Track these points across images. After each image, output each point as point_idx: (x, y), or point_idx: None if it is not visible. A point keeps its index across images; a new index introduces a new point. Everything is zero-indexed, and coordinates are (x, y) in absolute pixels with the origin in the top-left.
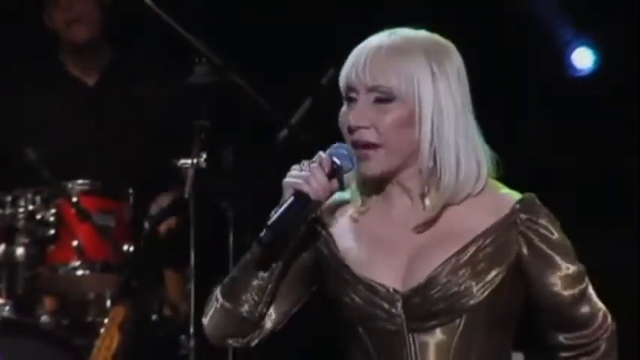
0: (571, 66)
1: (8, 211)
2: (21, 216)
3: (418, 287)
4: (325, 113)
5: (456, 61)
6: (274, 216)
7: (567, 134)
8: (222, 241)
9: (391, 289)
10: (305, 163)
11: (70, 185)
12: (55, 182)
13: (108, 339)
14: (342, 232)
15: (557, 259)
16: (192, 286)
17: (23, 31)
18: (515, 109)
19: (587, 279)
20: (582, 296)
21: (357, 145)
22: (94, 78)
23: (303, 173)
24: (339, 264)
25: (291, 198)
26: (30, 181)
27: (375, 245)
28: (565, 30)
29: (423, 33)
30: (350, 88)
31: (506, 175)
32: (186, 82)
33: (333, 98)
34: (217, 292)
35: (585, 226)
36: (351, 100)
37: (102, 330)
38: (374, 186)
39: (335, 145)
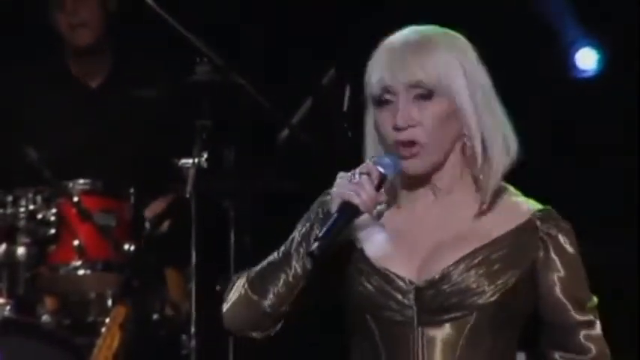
0: (574, 67)
1: (9, 210)
2: (22, 216)
3: (432, 281)
4: (326, 113)
5: (473, 51)
6: (325, 228)
7: (568, 134)
8: (223, 240)
9: (406, 280)
10: (354, 173)
11: (71, 185)
12: (56, 182)
13: (109, 338)
14: (363, 222)
15: (570, 276)
16: (193, 286)
17: (26, 31)
18: (516, 109)
19: (596, 312)
20: (589, 326)
21: (404, 144)
22: (97, 80)
23: (352, 185)
24: (356, 253)
25: (340, 209)
26: (31, 180)
27: (394, 238)
28: (569, 30)
29: (437, 29)
30: (386, 90)
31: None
32: (188, 82)
33: (334, 98)
34: (243, 280)
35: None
36: (386, 102)
37: (103, 329)
38: (400, 180)
39: (377, 156)
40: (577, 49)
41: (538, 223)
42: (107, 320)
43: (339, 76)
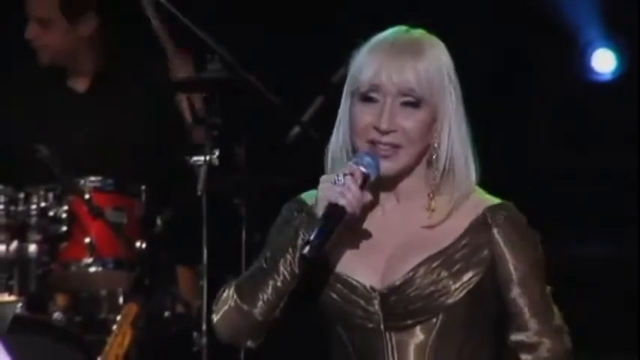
0: (590, 69)
1: (20, 208)
2: (33, 213)
3: (395, 286)
4: (336, 111)
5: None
6: (315, 231)
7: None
8: (234, 237)
9: (368, 287)
10: (337, 174)
11: (82, 182)
12: (67, 179)
13: (120, 336)
14: None
15: (522, 268)
16: (204, 283)
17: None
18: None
19: (551, 300)
20: (544, 314)
21: (380, 143)
22: (85, 82)
23: (337, 187)
24: (320, 262)
25: (327, 211)
26: (42, 178)
27: (357, 244)
28: (586, 30)
29: (425, 34)
30: (375, 88)
31: (514, 176)
32: (198, 79)
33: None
34: (232, 291)
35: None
36: (370, 99)
37: (114, 327)
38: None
39: (358, 155)
40: (594, 51)
41: (489, 218)
42: (118, 318)
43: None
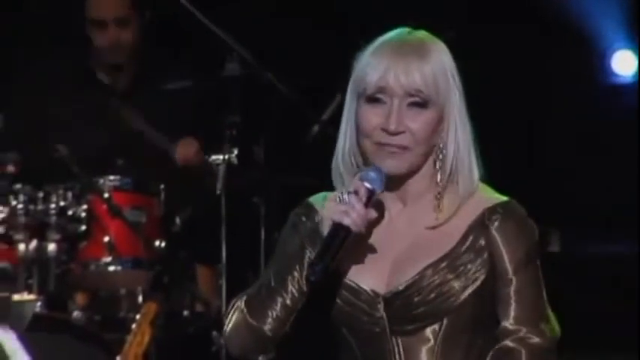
0: (610, 71)
1: (40, 207)
2: (52, 212)
3: (399, 290)
4: None
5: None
6: (319, 252)
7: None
8: (253, 236)
9: (371, 293)
10: (342, 192)
11: (101, 181)
12: (86, 178)
13: (139, 335)
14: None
15: (516, 268)
16: (223, 282)
17: (52, 31)
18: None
19: (540, 284)
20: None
21: (389, 145)
22: (123, 82)
23: (341, 206)
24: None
25: (332, 231)
26: (61, 177)
27: (363, 249)
28: (605, 30)
29: (429, 35)
30: (381, 90)
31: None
32: (217, 78)
33: None
34: (242, 306)
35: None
36: (377, 100)
37: (133, 326)
38: None
39: (364, 170)
40: (614, 52)
41: (486, 219)
42: (137, 316)
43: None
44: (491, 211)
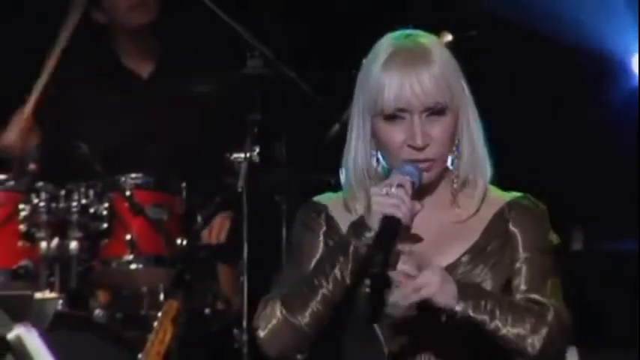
0: (629, 73)
1: (61, 205)
2: (74, 210)
3: None
4: None
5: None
6: (376, 244)
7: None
8: (275, 234)
9: None
10: (388, 186)
11: (123, 179)
12: (108, 176)
13: (161, 333)
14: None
15: (532, 259)
16: (245, 280)
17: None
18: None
19: (553, 275)
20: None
21: (418, 160)
22: (148, 68)
23: (392, 199)
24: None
25: (383, 224)
26: (83, 174)
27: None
28: (623, 31)
29: (430, 37)
30: (402, 109)
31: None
32: (239, 76)
33: None
34: (278, 305)
35: None
36: (395, 117)
37: (155, 324)
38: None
39: (401, 166)
40: (632, 53)
41: (506, 213)
42: (159, 314)
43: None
44: (510, 206)
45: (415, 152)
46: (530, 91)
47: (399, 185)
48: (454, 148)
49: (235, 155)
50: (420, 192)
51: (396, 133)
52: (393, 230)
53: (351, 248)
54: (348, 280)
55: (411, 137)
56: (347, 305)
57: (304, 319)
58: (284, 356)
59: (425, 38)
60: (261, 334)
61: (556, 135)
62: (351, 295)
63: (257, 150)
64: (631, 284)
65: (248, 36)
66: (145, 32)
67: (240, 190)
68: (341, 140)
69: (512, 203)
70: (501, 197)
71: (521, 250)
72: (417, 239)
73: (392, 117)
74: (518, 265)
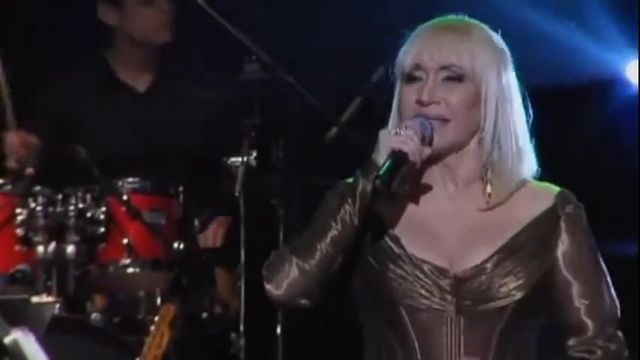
0: (622, 81)
1: (59, 209)
2: (71, 214)
3: (470, 271)
4: (375, 111)
5: (508, 54)
6: (383, 166)
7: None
8: (272, 238)
9: (441, 270)
10: (397, 128)
11: (120, 183)
12: (105, 180)
13: (158, 337)
14: (393, 214)
15: (580, 255)
16: (242, 284)
17: (70, 32)
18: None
19: (607, 285)
20: (593, 307)
21: (427, 117)
22: (145, 80)
23: (399, 137)
24: (389, 242)
25: (391, 156)
26: (81, 179)
27: (424, 229)
28: (617, 37)
29: (479, 23)
30: (417, 67)
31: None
32: (236, 81)
33: (383, 96)
34: (287, 251)
35: None
36: (415, 79)
37: (152, 328)
38: (419, 172)
39: (410, 119)
40: (627, 61)
41: (559, 208)
42: (156, 318)
43: (388, 74)
44: (562, 200)
45: (422, 108)
46: (530, 92)
47: (408, 127)
48: (481, 131)
49: (232, 159)
50: (456, 179)
51: (410, 94)
52: (401, 159)
53: (359, 188)
54: (356, 221)
55: (420, 93)
56: (376, 287)
57: (313, 259)
58: (290, 300)
59: (469, 19)
60: (268, 280)
61: (556, 138)
62: (380, 278)
63: (254, 154)
64: (631, 288)
65: (245, 40)
66: (152, 47)
67: (237, 194)
68: (338, 144)
69: (564, 199)
70: (547, 191)
71: (573, 255)
72: (450, 229)
73: (411, 78)
74: (565, 274)
